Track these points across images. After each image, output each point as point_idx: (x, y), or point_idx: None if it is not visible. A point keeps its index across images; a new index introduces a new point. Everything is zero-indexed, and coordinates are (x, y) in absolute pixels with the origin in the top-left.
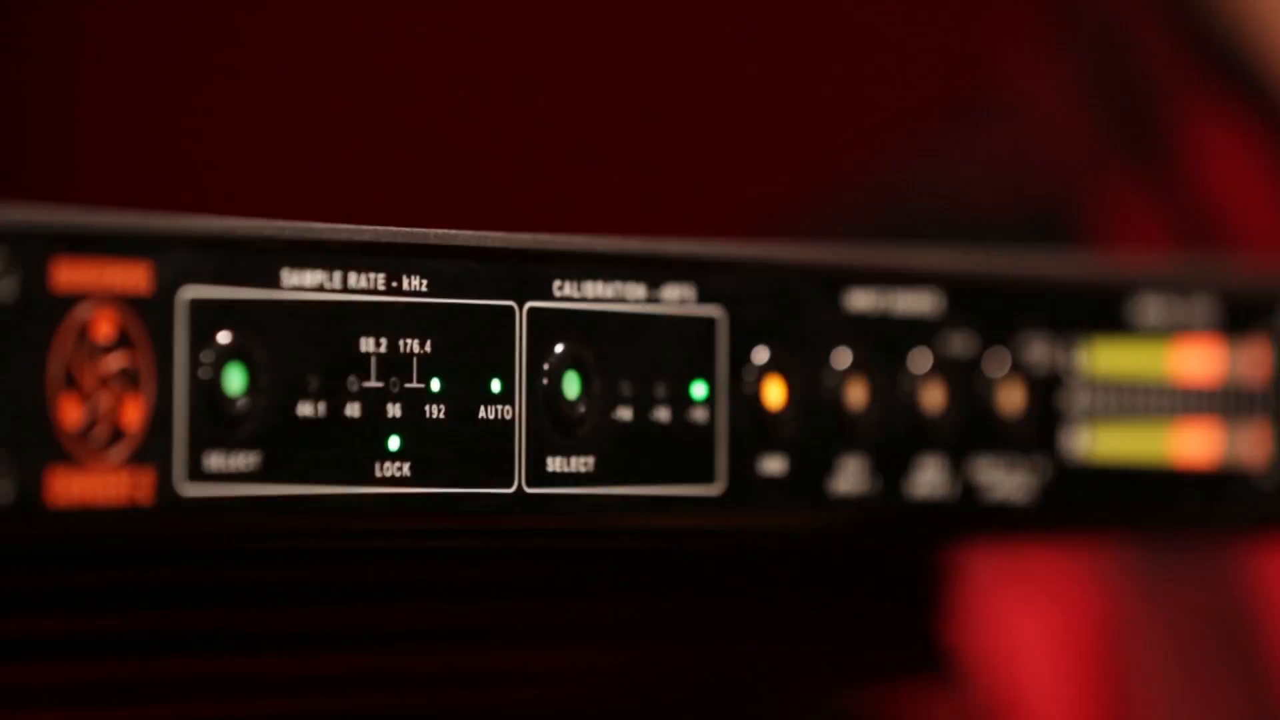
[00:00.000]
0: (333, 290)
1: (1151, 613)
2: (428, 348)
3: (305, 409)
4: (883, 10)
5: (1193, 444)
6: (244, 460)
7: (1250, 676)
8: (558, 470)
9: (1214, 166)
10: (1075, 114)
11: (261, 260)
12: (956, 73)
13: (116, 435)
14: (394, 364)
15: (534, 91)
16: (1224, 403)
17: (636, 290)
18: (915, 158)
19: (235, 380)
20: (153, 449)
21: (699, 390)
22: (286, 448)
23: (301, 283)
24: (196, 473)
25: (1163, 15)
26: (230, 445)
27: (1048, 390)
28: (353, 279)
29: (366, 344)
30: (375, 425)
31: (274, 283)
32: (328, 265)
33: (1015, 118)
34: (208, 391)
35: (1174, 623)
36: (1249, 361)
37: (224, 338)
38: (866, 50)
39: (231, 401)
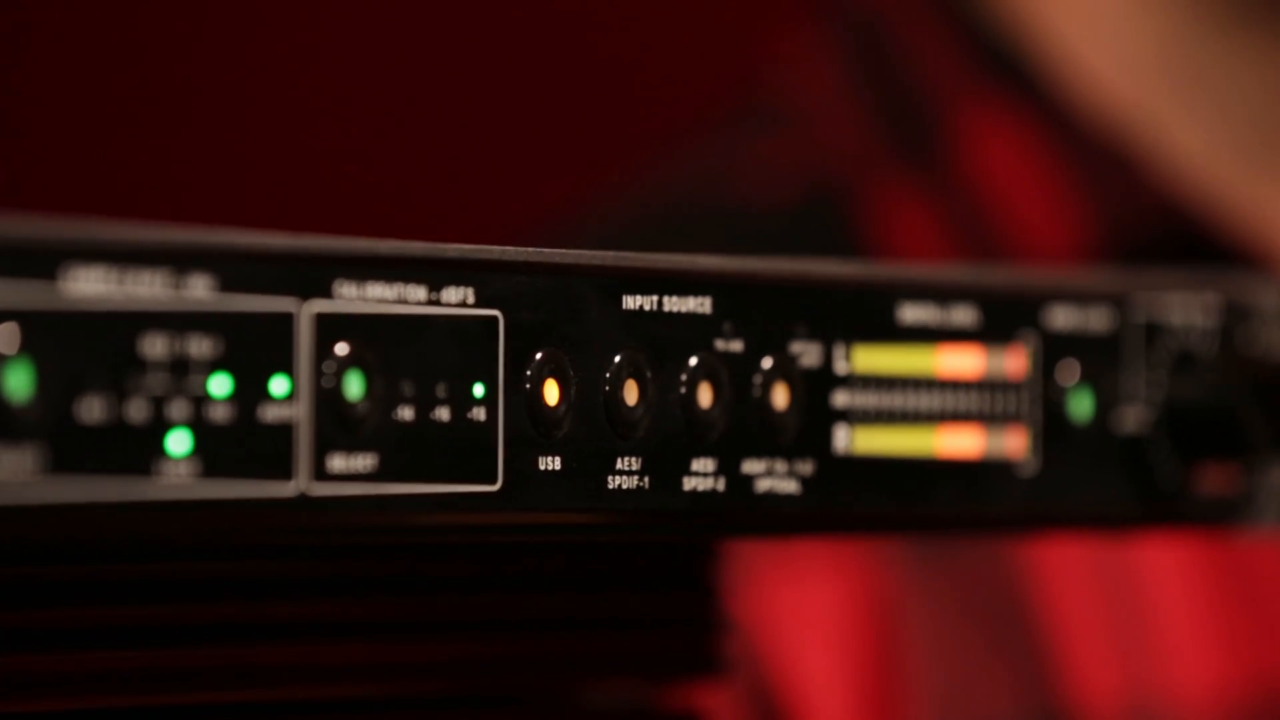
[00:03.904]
0: (115, 290)
1: (923, 595)
2: (210, 348)
3: (87, 411)
4: (654, 19)
5: (955, 441)
6: (24, 462)
7: (1020, 656)
8: (340, 470)
9: (988, 163)
10: (848, 115)
11: (43, 259)
12: (729, 77)
13: None
14: (176, 365)
15: (317, 96)
16: (985, 402)
17: (418, 292)
18: (690, 163)
19: (16, 382)
20: None
21: (479, 390)
22: (68, 450)
23: (83, 282)
24: None
25: (934, 13)
26: (11, 447)
27: (815, 389)
28: (135, 279)
29: (148, 345)
30: (158, 426)
31: (56, 282)
32: (110, 264)
33: (789, 121)
34: None
35: (945, 604)
36: (1009, 362)
37: (5, 338)
38: (641, 56)
39: (13, 404)
